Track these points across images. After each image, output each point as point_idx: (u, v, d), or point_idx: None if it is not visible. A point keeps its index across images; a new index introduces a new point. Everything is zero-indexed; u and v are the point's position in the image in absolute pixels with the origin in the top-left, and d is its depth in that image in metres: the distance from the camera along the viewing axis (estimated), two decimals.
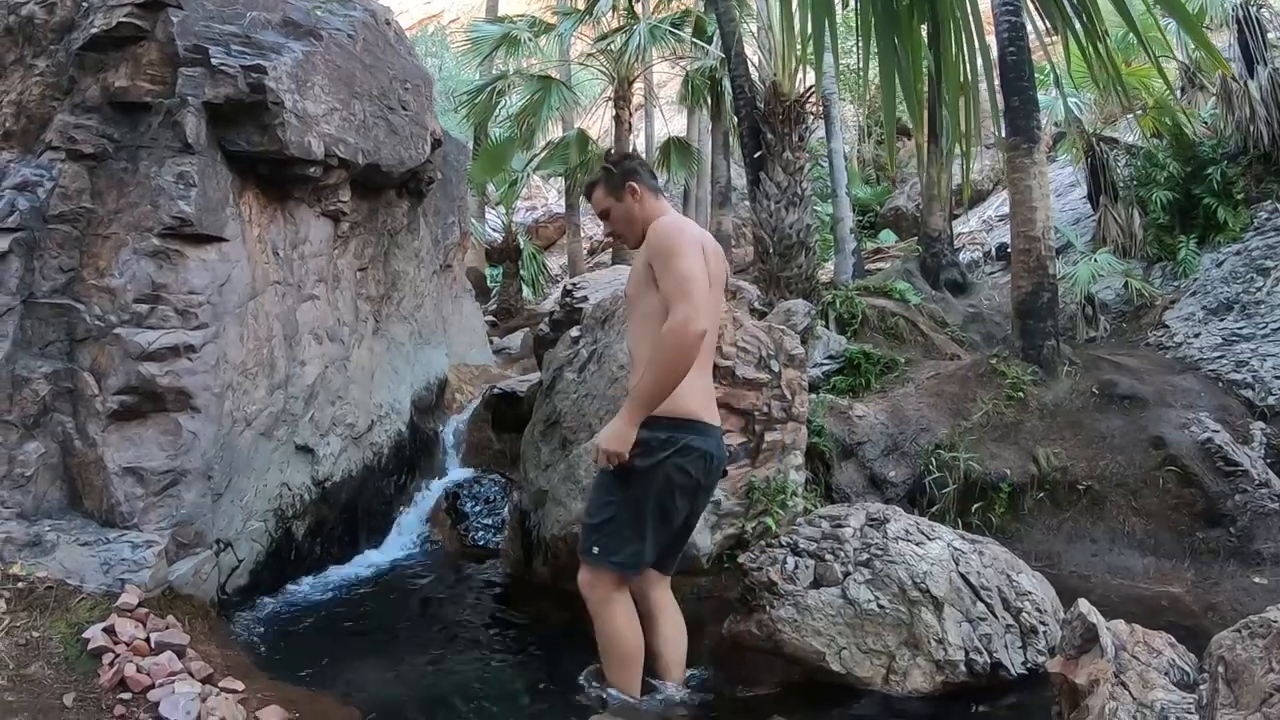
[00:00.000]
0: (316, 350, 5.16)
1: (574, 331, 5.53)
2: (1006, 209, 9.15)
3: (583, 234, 17.68)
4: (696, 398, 3.17)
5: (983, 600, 3.61)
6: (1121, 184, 9.85)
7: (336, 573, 5.24)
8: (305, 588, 4.96)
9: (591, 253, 19.25)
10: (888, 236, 15.57)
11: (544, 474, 4.90)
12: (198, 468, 4.17)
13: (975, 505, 5.44)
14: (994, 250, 12.19)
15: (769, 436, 4.77)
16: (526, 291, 15.95)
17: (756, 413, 4.73)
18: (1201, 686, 2.28)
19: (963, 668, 3.47)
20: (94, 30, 4.29)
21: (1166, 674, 2.56)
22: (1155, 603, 4.61)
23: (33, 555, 3.74)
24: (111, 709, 3.07)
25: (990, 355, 6.66)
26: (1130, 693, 2.49)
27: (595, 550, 3.17)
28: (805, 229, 8.41)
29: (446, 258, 7.87)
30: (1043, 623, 3.61)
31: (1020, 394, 6.10)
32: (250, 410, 4.56)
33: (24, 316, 4.09)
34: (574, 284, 7.24)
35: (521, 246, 15.50)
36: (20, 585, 3.53)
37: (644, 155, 16.23)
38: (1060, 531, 5.37)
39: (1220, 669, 2.16)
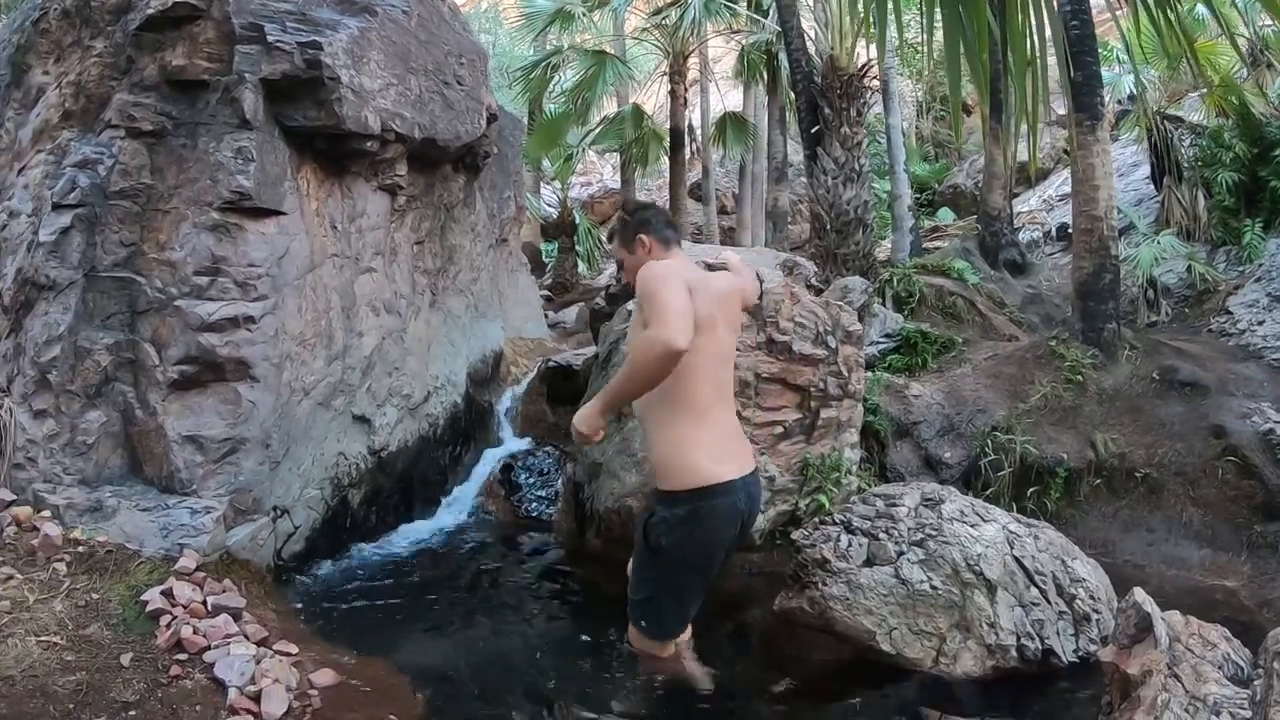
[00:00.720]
0: (374, 322, 5.22)
1: (630, 305, 5.52)
2: (1067, 188, 8.94)
3: None
4: (710, 456, 3.04)
5: (1036, 585, 3.56)
6: (1186, 164, 9.57)
7: (391, 541, 5.32)
8: (360, 555, 5.05)
9: None
10: (946, 215, 15.32)
11: (598, 447, 4.91)
12: (256, 436, 4.26)
13: (1031, 489, 5.36)
14: (1054, 230, 11.93)
15: (824, 413, 4.74)
16: (581, 266, 15.98)
17: (812, 389, 4.70)
18: (1256, 682, 2.23)
19: (1014, 653, 3.43)
20: (150, 10, 4.36)
21: (1220, 668, 2.51)
22: (1210, 596, 4.52)
23: (93, 520, 3.86)
24: (168, 669, 3.16)
25: (1049, 337, 6.54)
26: (1183, 685, 2.44)
27: (644, 624, 3.22)
28: (863, 205, 8.31)
29: (502, 232, 7.91)
30: (1096, 611, 3.55)
31: (1079, 377, 5.99)
32: (308, 380, 4.63)
33: (86, 290, 4.20)
34: None
35: (577, 221, 15.52)
36: (81, 549, 3.64)
37: (700, 130, 16.12)
38: (1116, 519, 5.28)
39: (1276, 664, 2.12)
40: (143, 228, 4.25)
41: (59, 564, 3.52)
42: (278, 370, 4.36)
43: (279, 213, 4.39)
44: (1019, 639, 3.45)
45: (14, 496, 3.84)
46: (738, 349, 4.24)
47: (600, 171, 23.46)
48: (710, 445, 3.04)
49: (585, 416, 3.01)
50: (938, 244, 12.35)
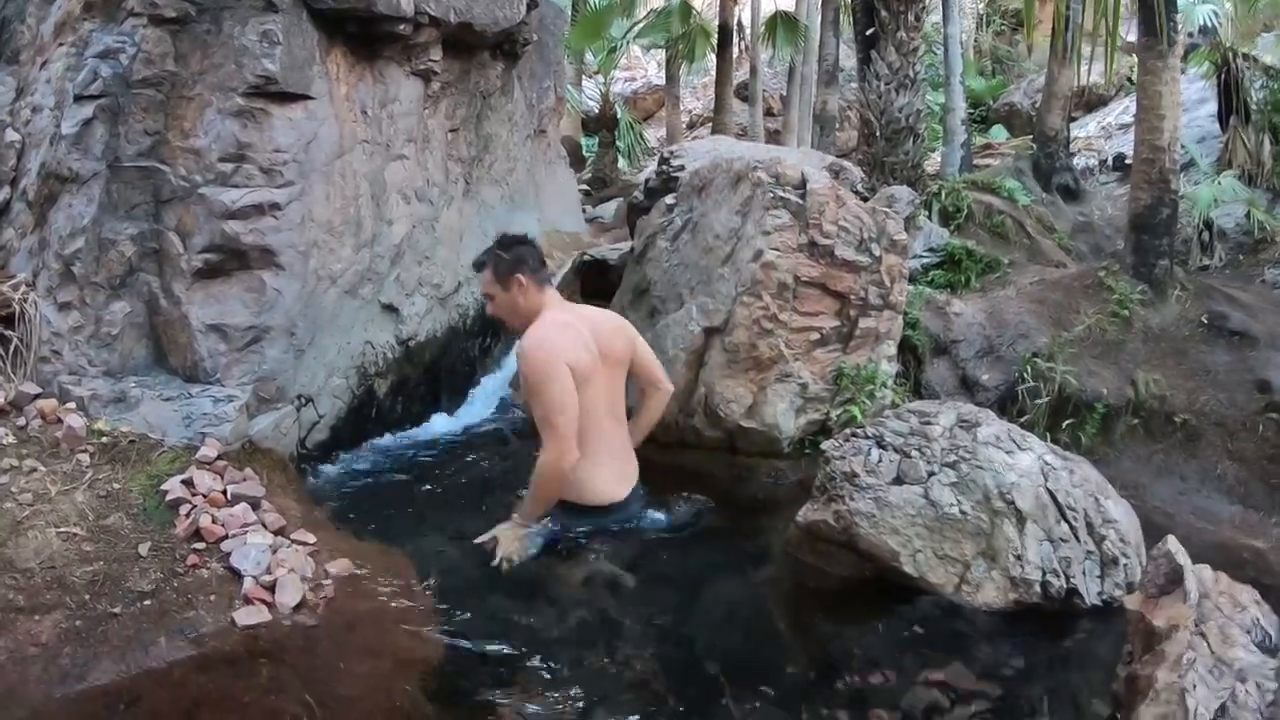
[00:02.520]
0: (404, 210, 5.12)
1: (669, 199, 5.41)
2: (1127, 117, 8.62)
3: (682, 107, 17.23)
4: (612, 477, 3.61)
5: (1067, 521, 3.44)
6: (1254, 106, 9.15)
7: (416, 432, 5.30)
8: (384, 445, 5.03)
9: (690, 126, 18.75)
10: (999, 133, 14.89)
11: None
12: (281, 324, 4.21)
13: (1066, 422, 5.25)
14: (1110, 160, 11.51)
15: (863, 323, 4.64)
16: (622, 162, 15.70)
17: (852, 296, 4.59)
18: None
19: (1037, 588, 3.35)
20: None
21: (1249, 632, 2.41)
22: (1237, 554, 4.37)
23: (117, 411, 3.86)
24: (185, 558, 3.18)
25: (1099, 267, 6.36)
26: (1209, 645, 2.35)
27: None
28: (915, 114, 8.06)
29: (541, 123, 7.72)
30: (1124, 555, 3.44)
31: (1125, 312, 5.81)
32: (335, 268, 4.55)
33: (109, 181, 4.11)
34: (671, 152, 6.99)
35: (618, 116, 15.19)
36: (104, 440, 3.64)
37: (749, 29, 15.61)
38: (1150, 463, 5.16)
39: None
40: (166, 116, 4.12)
41: (82, 455, 3.53)
42: (304, 258, 4.28)
43: (306, 97, 4.26)
44: (1044, 574, 3.36)
45: (39, 390, 3.84)
46: (776, 249, 4.50)
47: (644, 67, 22.90)
48: (610, 467, 3.59)
49: (506, 537, 3.46)
50: (988, 162, 12.00)
